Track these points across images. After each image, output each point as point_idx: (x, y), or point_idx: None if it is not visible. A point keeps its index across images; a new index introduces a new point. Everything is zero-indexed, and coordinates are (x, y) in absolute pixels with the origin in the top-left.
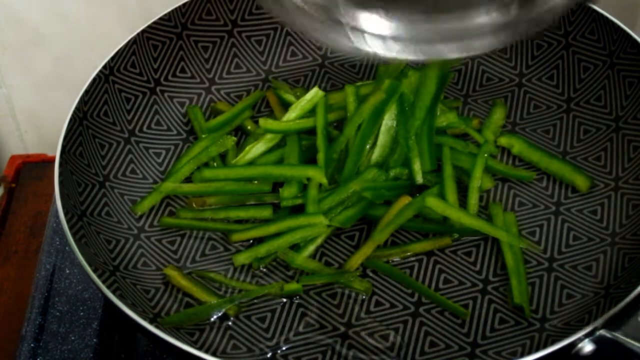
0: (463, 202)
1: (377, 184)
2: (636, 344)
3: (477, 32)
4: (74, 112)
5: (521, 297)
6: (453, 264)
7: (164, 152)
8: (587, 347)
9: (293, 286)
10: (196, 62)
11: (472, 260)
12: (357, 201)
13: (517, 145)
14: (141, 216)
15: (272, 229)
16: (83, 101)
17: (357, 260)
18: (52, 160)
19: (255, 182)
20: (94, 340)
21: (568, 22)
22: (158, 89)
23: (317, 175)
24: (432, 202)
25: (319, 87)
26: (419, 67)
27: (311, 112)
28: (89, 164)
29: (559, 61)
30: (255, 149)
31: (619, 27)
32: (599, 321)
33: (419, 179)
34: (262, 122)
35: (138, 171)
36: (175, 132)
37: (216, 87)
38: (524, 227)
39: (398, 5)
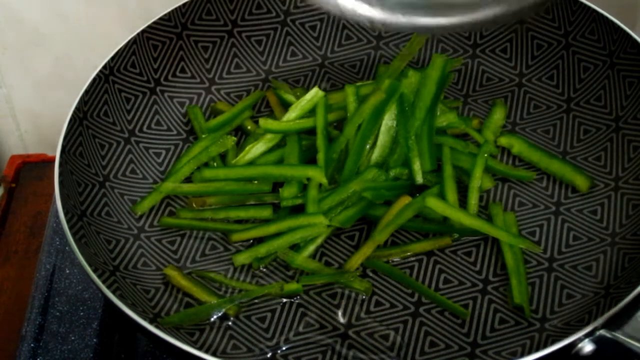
0: (463, 202)
1: (377, 184)
2: (636, 344)
3: (464, 4)
4: (74, 112)
5: (521, 297)
6: (453, 264)
7: (164, 152)
8: (587, 347)
9: (293, 286)
10: (196, 62)
11: (472, 260)
12: (357, 201)
13: (517, 145)
14: (141, 216)
15: (272, 229)
16: (83, 101)
17: (357, 260)
18: (52, 160)
19: (255, 182)
20: (94, 340)
21: (568, 22)
22: (158, 89)
23: (317, 175)
24: (432, 202)
25: (319, 87)
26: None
27: (311, 112)
28: (89, 164)
29: (559, 61)
30: (255, 149)
31: (619, 27)
32: (599, 321)
33: (419, 179)
34: (262, 122)
35: (138, 171)
36: (175, 132)
37: (216, 87)
38: (524, 227)
39: None
